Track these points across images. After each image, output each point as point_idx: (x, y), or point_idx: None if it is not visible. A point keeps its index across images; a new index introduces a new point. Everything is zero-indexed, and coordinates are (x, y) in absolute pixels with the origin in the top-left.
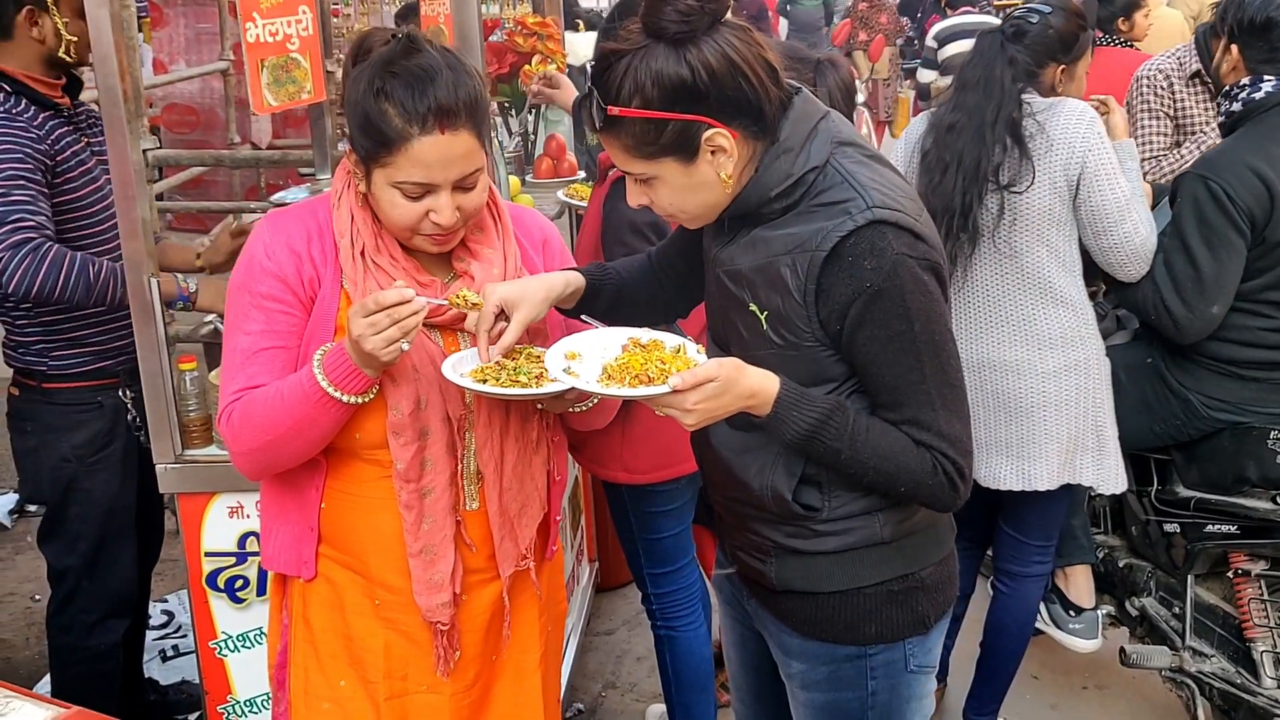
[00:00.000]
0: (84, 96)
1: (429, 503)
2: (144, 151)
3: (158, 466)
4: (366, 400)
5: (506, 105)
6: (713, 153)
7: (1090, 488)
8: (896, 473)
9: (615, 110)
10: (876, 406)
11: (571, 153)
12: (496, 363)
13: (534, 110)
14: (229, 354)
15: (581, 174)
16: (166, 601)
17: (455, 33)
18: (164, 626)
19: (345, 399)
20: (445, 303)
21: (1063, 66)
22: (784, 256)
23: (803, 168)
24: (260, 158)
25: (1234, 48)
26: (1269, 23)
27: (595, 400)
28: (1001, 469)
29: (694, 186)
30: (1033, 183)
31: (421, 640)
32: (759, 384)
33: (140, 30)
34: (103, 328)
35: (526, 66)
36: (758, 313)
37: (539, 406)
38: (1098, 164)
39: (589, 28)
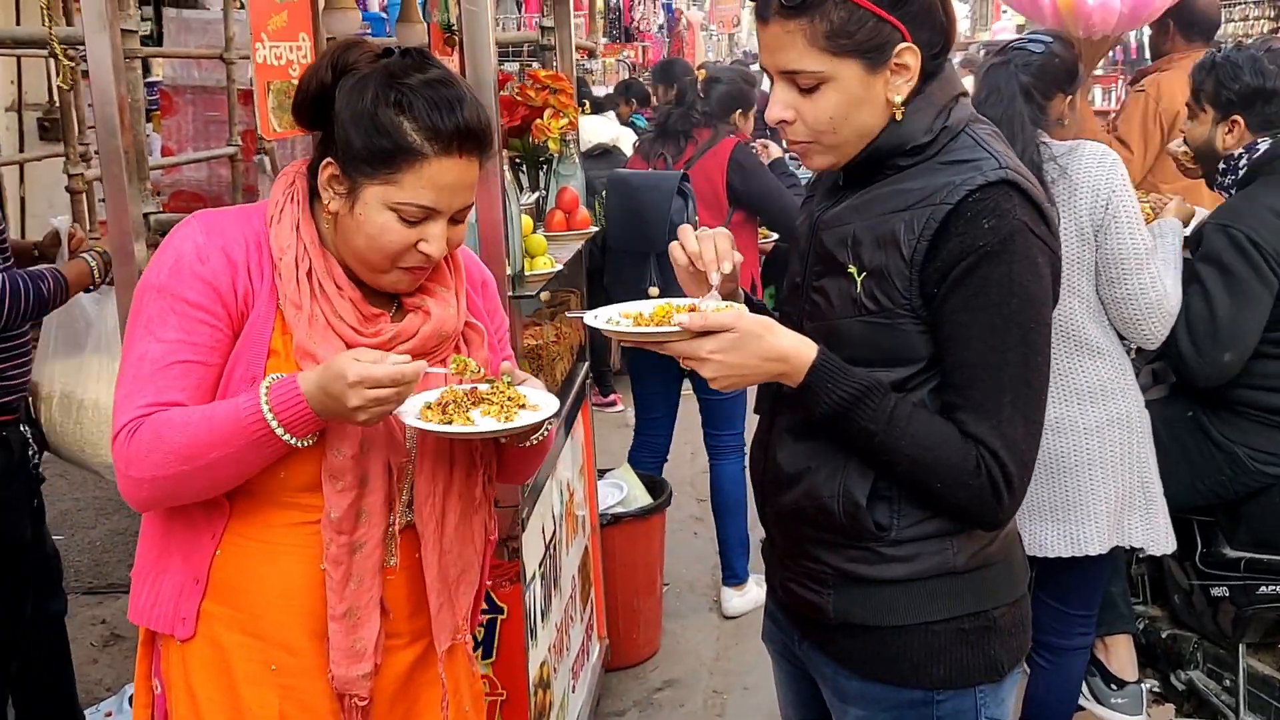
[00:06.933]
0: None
1: (358, 559)
2: (146, 215)
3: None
4: (309, 444)
5: (517, 160)
6: (893, 72)
7: (1139, 549)
8: (934, 465)
9: None
10: (945, 387)
11: (584, 206)
12: (449, 404)
13: (544, 165)
14: (135, 361)
15: (594, 228)
16: None
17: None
18: None
19: (292, 441)
20: (449, 370)
21: (1069, 98)
22: (902, 212)
23: (939, 126)
24: None
25: (1239, 119)
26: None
27: (543, 434)
28: (1047, 534)
29: (861, 103)
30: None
31: (321, 712)
32: (792, 348)
33: (149, 120)
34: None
35: (538, 120)
36: (855, 274)
37: (500, 442)
38: (1120, 207)
39: (595, 110)
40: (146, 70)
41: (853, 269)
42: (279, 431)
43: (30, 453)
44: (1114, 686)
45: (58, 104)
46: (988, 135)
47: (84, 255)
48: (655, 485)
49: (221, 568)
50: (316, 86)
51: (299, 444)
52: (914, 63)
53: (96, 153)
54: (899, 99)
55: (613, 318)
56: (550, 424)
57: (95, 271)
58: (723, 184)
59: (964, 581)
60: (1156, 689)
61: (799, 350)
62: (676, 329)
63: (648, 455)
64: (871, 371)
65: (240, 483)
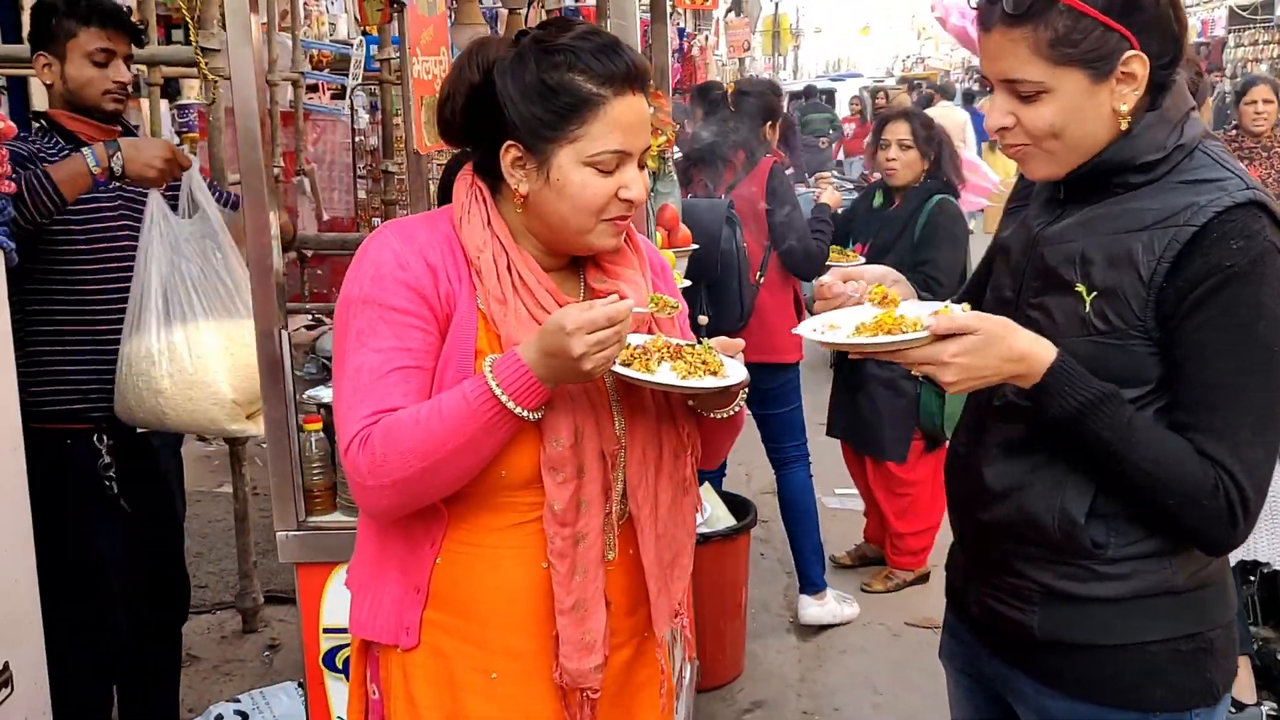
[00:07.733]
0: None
1: (581, 550)
2: None
3: (278, 534)
4: (538, 417)
5: None
6: (1119, 81)
7: (1265, 564)
8: (1168, 481)
9: None
10: (1177, 407)
11: (684, 224)
12: (642, 353)
13: None
14: (352, 373)
15: (695, 246)
16: (239, 701)
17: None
18: None
19: (524, 414)
20: (650, 309)
21: None
22: (1139, 232)
23: (1174, 143)
24: (347, 240)
25: None
26: None
27: (734, 410)
28: None
29: (1085, 112)
30: None
31: (544, 715)
32: (1030, 348)
33: (183, 144)
34: (88, 365)
35: None
36: (1084, 293)
37: (690, 403)
38: None
39: None
40: (180, 92)
41: (1080, 287)
42: (511, 406)
43: (101, 465)
44: (1233, 709)
45: None
46: (1224, 154)
47: (84, 150)
48: (738, 505)
49: (442, 576)
50: (466, 91)
51: (530, 416)
52: (1142, 72)
53: None
54: (1125, 108)
55: (820, 329)
56: (739, 401)
57: (91, 163)
58: (764, 206)
59: (1183, 601)
60: (1275, 712)
61: (1037, 351)
62: (921, 335)
63: (706, 472)
64: None
65: (480, 469)
